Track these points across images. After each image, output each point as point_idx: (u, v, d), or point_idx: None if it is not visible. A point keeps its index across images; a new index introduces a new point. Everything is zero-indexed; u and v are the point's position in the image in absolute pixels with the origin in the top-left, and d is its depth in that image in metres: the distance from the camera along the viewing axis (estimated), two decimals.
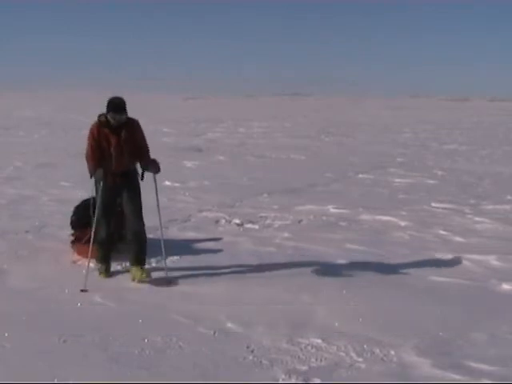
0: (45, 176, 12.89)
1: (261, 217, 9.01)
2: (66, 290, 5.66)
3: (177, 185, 12.02)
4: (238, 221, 8.65)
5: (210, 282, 5.97)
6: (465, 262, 6.85)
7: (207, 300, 5.45)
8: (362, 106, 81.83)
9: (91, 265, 6.08)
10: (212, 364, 4.26)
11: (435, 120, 43.27)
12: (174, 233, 8.03)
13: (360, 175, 13.99)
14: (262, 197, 10.75)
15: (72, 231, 7.02)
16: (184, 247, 7.25)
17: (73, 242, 6.87)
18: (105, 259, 6.20)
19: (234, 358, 4.34)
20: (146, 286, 5.88)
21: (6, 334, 4.61)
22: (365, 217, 9.08)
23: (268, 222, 8.80)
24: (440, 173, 14.64)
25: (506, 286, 6.03)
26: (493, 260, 6.88)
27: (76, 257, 6.64)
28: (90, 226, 6.16)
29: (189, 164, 15.66)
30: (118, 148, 5.89)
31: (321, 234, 8.00)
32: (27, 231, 7.88)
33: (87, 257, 6.09)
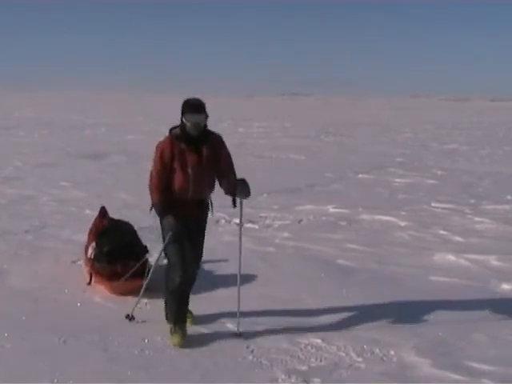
0: (45, 176, 12.89)
1: (261, 217, 9.01)
2: (66, 290, 5.66)
3: None
4: (238, 221, 8.63)
5: (210, 282, 5.97)
6: (465, 262, 6.85)
7: (207, 300, 5.45)
8: (362, 105, 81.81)
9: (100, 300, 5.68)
10: (212, 364, 4.26)
11: (435, 120, 43.27)
12: None
13: (360, 175, 13.98)
14: (261, 197, 10.74)
15: (99, 264, 5.74)
16: None
17: (100, 276, 5.67)
18: (180, 316, 4.72)
19: (233, 358, 4.34)
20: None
21: (6, 334, 4.61)
22: (365, 217, 9.08)
23: (268, 222, 8.80)
24: (440, 173, 14.63)
25: (505, 286, 6.03)
26: (493, 260, 6.88)
27: (106, 291, 5.63)
28: (134, 257, 5.61)
29: None
30: (199, 168, 4.60)
31: (321, 234, 8.00)
32: (27, 231, 7.88)
33: (130, 294, 5.34)
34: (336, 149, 20.45)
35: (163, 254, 4.90)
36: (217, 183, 4.81)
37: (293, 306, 5.36)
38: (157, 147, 4.66)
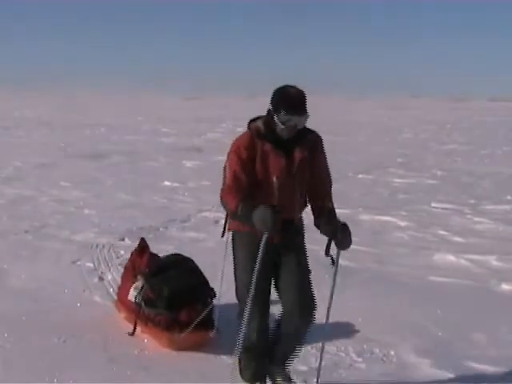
0: (45, 176, 12.89)
1: None
2: (66, 290, 5.66)
3: (176, 185, 12.03)
4: None
5: (210, 282, 5.96)
6: (465, 262, 6.85)
7: None
8: (362, 105, 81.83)
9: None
10: (212, 364, 4.26)
11: (435, 120, 43.26)
12: (174, 233, 8.04)
13: (360, 175, 13.98)
14: None
15: (153, 310, 4.60)
16: (184, 247, 7.24)
17: (154, 325, 4.60)
18: (257, 377, 3.84)
19: (233, 358, 4.33)
20: None
21: (6, 334, 4.61)
22: (365, 217, 9.08)
23: None
24: (440, 173, 14.63)
25: (505, 286, 6.03)
26: (493, 260, 6.88)
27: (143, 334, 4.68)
28: (201, 302, 4.61)
29: (188, 164, 15.65)
30: (288, 177, 3.50)
31: (321, 234, 7.98)
32: (27, 231, 7.88)
33: (195, 349, 4.44)
34: (336, 149, 20.42)
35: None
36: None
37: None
38: (232, 144, 3.56)
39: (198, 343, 4.45)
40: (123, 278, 5.11)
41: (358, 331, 4.82)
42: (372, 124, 36.58)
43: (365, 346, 4.54)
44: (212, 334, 4.41)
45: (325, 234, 3.66)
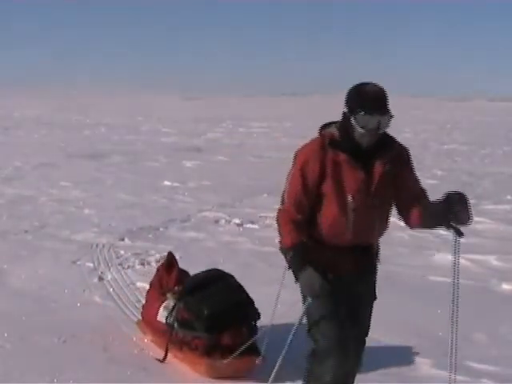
0: (45, 176, 12.89)
1: (261, 217, 9.01)
2: (66, 290, 5.66)
3: (176, 185, 12.04)
4: (238, 221, 8.65)
5: None
6: (465, 262, 6.84)
7: None
8: None
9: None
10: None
11: (435, 120, 43.25)
12: (174, 233, 8.04)
13: None
14: (262, 197, 10.75)
15: (189, 332, 4.12)
16: (184, 247, 7.24)
17: (190, 350, 4.12)
18: None
19: None
20: (146, 285, 5.87)
21: (6, 334, 4.61)
22: None
23: (268, 221, 8.79)
24: (440, 173, 14.63)
25: (505, 286, 6.03)
26: (493, 260, 6.88)
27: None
28: (247, 324, 4.15)
29: (188, 164, 15.66)
30: (366, 196, 2.94)
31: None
32: (27, 231, 7.88)
33: (239, 377, 3.99)
34: None
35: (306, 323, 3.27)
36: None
37: (292, 305, 5.35)
38: (296, 155, 3.03)
39: (242, 371, 3.99)
40: (149, 296, 4.63)
41: None
42: None
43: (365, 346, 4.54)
44: (258, 361, 3.92)
45: (437, 226, 3.07)
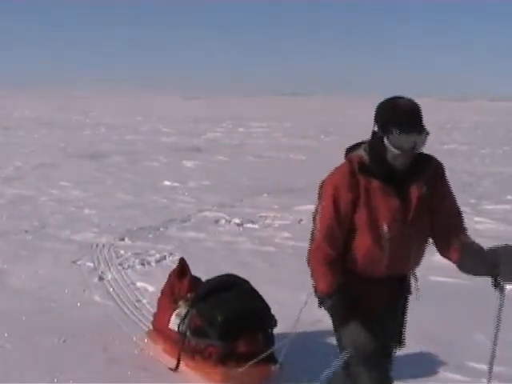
0: (45, 176, 12.90)
1: (261, 217, 9.01)
2: (66, 290, 5.66)
3: (176, 185, 12.04)
4: (237, 221, 8.66)
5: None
6: None
7: None
8: (362, 105, 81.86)
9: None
10: None
11: (435, 120, 43.26)
12: (174, 233, 8.04)
13: None
14: (262, 197, 10.75)
15: (202, 340, 3.96)
16: (184, 247, 7.24)
17: (203, 358, 3.98)
18: None
19: None
20: (146, 285, 5.87)
21: (6, 334, 4.61)
22: None
23: (268, 221, 8.80)
24: None
25: (507, 286, 6.02)
26: None
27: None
28: (262, 330, 4.01)
29: (188, 164, 15.66)
30: (402, 225, 2.70)
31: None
32: (27, 231, 7.88)
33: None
34: (336, 149, 20.41)
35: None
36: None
37: (293, 305, 5.36)
38: (323, 186, 2.78)
39: (258, 379, 3.86)
40: (160, 304, 4.46)
41: None
42: (372, 124, 36.56)
43: None
44: (275, 368, 3.79)
45: (481, 275, 2.77)
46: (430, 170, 2.73)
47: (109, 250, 7.02)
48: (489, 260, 2.68)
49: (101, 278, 6.06)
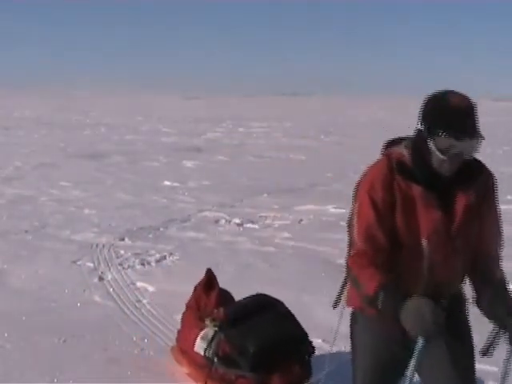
0: (45, 176, 12.90)
1: (261, 217, 9.01)
2: (66, 290, 5.66)
3: (176, 185, 12.04)
4: (237, 221, 8.65)
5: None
6: None
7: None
8: (362, 105, 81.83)
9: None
10: None
11: None
12: (174, 233, 8.03)
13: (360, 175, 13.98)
14: (262, 197, 10.75)
15: (230, 370, 3.61)
16: (184, 247, 7.24)
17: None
18: None
19: None
20: (146, 285, 5.87)
21: (6, 334, 4.60)
22: None
23: (268, 221, 8.80)
24: None
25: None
26: None
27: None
28: (300, 361, 3.64)
29: (188, 164, 15.66)
30: (446, 238, 2.34)
31: (321, 234, 8.00)
32: (27, 231, 7.89)
33: None
34: (336, 149, 20.44)
35: None
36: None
37: (293, 305, 5.35)
38: (359, 183, 2.51)
39: None
40: (185, 320, 4.10)
41: None
42: (372, 124, 36.59)
43: None
44: None
45: (490, 318, 2.36)
46: (481, 179, 2.41)
47: (109, 250, 7.02)
48: (502, 312, 2.32)
49: (101, 278, 6.05)
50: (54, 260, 6.64)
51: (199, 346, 3.72)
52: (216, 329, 3.67)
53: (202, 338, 3.72)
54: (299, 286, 5.89)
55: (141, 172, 13.87)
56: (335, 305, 2.65)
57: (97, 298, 5.50)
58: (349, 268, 2.41)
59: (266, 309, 3.75)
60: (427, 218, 2.31)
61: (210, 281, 4.16)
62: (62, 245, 7.23)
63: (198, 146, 20.30)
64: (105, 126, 29.34)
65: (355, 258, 2.38)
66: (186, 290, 5.72)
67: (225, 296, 4.08)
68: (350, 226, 2.47)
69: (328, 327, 4.89)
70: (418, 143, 2.35)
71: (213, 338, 3.65)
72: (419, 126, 2.35)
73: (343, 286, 2.65)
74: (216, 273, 6.09)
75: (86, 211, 9.25)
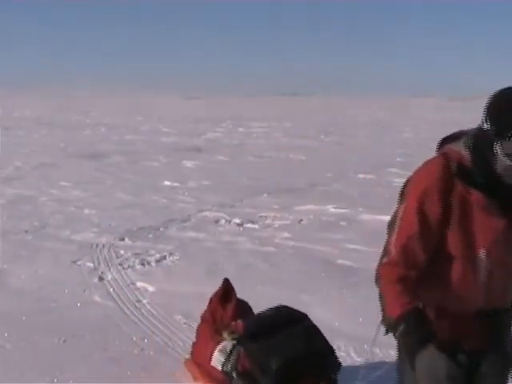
0: (45, 176, 12.90)
1: (261, 217, 9.01)
2: (66, 290, 5.66)
3: (176, 185, 12.04)
4: (238, 221, 8.65)
5: (210, 282, 5.96)
6: None
7: (207, 300, 5.44)
8: (362, 105, 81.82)
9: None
10: None
11: (435, 120, 43.27)
12: (174, 233, 8.03)
13: (360, 175, 13.98)
14: (262, 197, 10.75)
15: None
16: (184, 247, 7.24)
17: None
18: None
19: None
20: (146, 285, 5.87)
21: (6, 334, 4.60)
22: (365, 217, 9.08)
23: (268, 221, 8.80)
24: None
25: None
26: None
27: None
28: (325, 377, 3.48)
29: (188, 164, 15.66)
30: (507, 250, 2.16)
31: (321, 234, 7.99)
32: (27, 231, 7.88)
33: None
34: (336, 149, 20.44)
35: None
36: None
37: (292, 305, 5.35)
38: (410, 184, 2.19)
39: None
40: (200, 332, 3.90)
41: (358, 331, 4.81)
42: (372, 124, 36.60)
43: (365, 346, 4.53)
44: None
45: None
46: None
47: (109, 250, 7.02)
48: None
49: (101, 278, 6.05)
50: (54, 260, 6.64)
51: (217, 360, 3.53)
52: (234, 342, 3.48)
53: (220, 351, 3.53)
54: (299, 285, 5.89)
55: (141, 172, 13.87)
56: (389, 330, 2.21)
57: (97, 298, 5.50)
58: (378, 276, 2.22)
59: (289, 323, 3.52)
60: (487, 227, 2.10)
61: (226, 292, 3.94)
62: (62, 245, 7.23)
63: (198, 146, 20.30)
64: (105, 126, 29.34)
65: (386, 269, 2.19)
66: (186, 289, 5.75)
67: (242, 307, 3.87)
68: (390, 227, 2.28)
69: (328, 327, 4.89)
70: (480, 143, 2.07)
71: (231, 352, 3.46)
72: (484, 125, 2.04)
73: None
74: (216, 273, 6.09)
75: (86, 211, 9.25)
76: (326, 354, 3.48)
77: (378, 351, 4.47)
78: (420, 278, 2.15)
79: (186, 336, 4.65)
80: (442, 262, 2.14)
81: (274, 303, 5.53)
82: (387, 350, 4.50)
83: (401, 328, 2.09)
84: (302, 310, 5.23)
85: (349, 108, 70.35)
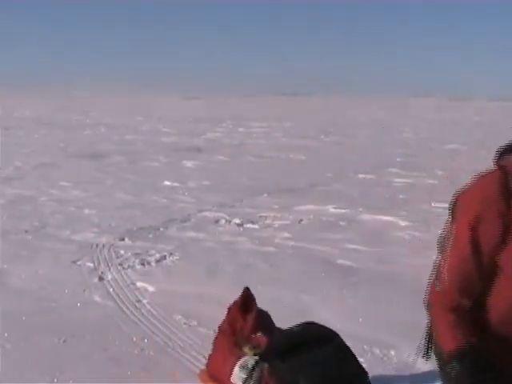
0: (45, 176, 12.90)
1: (261, 217, 9.01)
2: (66, 290, 5.66)
3: (176, 185, 12.04)
4: (237, 221, 8.66)
5: (210, 281, 5.97)
6: None
7: (207, 300, 5.45)
8: (362, 105, 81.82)
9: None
10: None
11: (435, 120, 43.27)
12: (174, 233, 8.03)
13: (360, 175, 13.98)
14: (262, 197, 10.75)
15: None
16: (184, 247, 7.25)
17: None
18: None
19: None
20: (146, 285, 5.87)
21: (6, 334, 4.61)
22: (365, 217, 9.08)
23: (268, 221, 8.80)
24: (440, 173, 14.63)
25: None
26: None
27: None
28: None
29: (188, 164, 15.66)
30: None
31: (321, 234, 8.00)
32: (27, 231, 7.89)
33: None
34: (336, 149, 20.44)
35: None
36: None
37: (292, 305, 5.36)
38: (461, 205, 2.01)
39: None
40: (217, 345, 3.60)
41: (358, 331, 4.81)
42: (372, 124, 36.60)
43: (365, 346, 4.54)
44: None
45: None
46: None
47: (109, 250, 7.02)
48: None
49: (101, 278, 6.05)
50: (54, 260, 6.64)
51: (237, 376, 3.26)
52: (257, 358, 3.24)
53: (241, 367, 3.27)
54: (299, 285, 5.89)
55: (141, 172, 13.87)
56: (426, 355, 2.15)
57: (97, 298, 5.50)
58: (429, 305, 2.03)
59: (319, 341, 3.23)
60: None
61: (246, 301, 3.64)
62: (62, 245, 7.23)
63: (198, 146, 20.31)
64: (105, 126, 29.34)
65: (438, 297, 1.99)
66: (185, 289, 5.75)
67: (264, 318, 3.61)
68: (441, 246, 2.07)
69: (327, 326, 4.90)
70: None
71: (254, 368, 3.21)
72: None
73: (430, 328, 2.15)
74: (216, 273, 6.09)
75: (86, 211, 9.25)
76: (358, 376, 3.26)
77: (378, 351, 4.48)
78: (474, 306, 1.95)
79: (186, 336, 4.66)
80: (494, 284, 1.92)
81: (274, 303, 5.54)
82: (387, 350, 4.52)
83: (453, 366, 1.92)
84: (302, 309, 5.25)
85: (349, 108, 70.35)
